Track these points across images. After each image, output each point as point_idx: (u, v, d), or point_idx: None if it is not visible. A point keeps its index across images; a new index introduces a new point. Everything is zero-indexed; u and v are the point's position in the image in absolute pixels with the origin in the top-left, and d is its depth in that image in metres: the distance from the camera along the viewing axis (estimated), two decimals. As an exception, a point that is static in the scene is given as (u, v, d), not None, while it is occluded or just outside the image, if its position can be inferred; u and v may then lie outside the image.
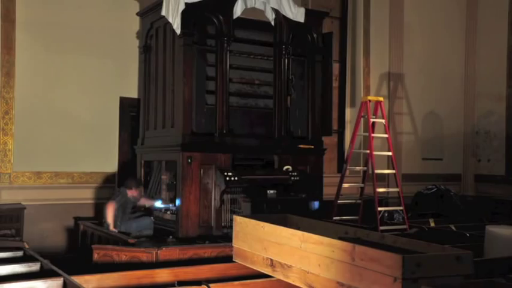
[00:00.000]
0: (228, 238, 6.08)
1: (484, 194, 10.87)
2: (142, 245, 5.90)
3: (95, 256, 5.57)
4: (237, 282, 4.73)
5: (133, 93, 8.30)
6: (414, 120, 10.72)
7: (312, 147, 7.50)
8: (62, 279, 3.68)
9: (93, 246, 5.75)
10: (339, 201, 8.24)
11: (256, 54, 7.48)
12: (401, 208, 8.17)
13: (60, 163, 7.82)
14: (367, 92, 10.01)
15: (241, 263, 5.09)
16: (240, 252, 5.13)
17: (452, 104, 11.14)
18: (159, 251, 5.46)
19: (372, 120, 8.43)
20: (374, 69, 10.25)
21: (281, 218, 5.43)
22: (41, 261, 4.20)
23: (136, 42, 8.18)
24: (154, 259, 5.43)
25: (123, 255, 5.52)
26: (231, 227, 6.55)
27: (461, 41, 11.31)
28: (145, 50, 7.56)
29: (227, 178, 6.69)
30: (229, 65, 7.02)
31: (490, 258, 5.54)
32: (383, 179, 9.46)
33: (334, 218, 8.03)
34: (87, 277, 4.35)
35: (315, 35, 7.69)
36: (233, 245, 5.26)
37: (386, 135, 8.59)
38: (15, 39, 7.57)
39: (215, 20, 6.97)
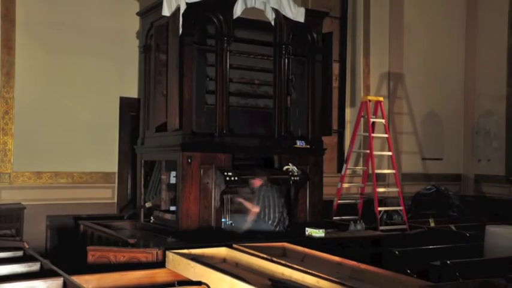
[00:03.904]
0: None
1: (484, 194, 10.87)
2: (142, 246, 5.89)
3: (90, 258, 5.44)
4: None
5: (133, 93, 8.30)
6: (414, 120, 10.73)
7: (308, 146, 7.50)
8: (62, 279, 3.68)
9: (88, 247, 5.61)
10: (339, 201, 8.25)
11: (256, 54, 7.48)
12: (401, 208, 8.18)
13: (60, 163, 7.82)
14: (367, 92, 10.02)
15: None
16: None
17: (452, 104, 11.15)
18: (159, 251, 5.45)
19: (371, 120, 8.44)
20: (374, 69, 10.26)
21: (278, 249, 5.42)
22: (41, 261, 4.20)
23: (136, 42, 8.18)
24: (154, 259, 5.42)
25: (121, 256, 5.46)
26: (231, 227, 6.63)
27: (461, 40, 11.31)
28: (146, 50, 7.55)
29: (227, 178, 6.68)
30: (229, 65, 7.02)
31: (490, 258, 5.55)
32: (383, 179, 9.48)
33: (334, 218, 8.06)
34: (87, 277, 4.34)
35: (315, 35, 7.68)
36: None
37: (386, 135, 8.60)
38: (15, 39, 7.57)
39: (215, 20, 6.97)
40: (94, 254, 5.48)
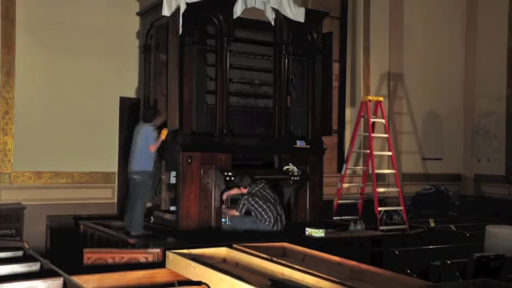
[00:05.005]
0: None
1: (484, 194, 10.87)
2: (142, 246, 5.88)
3: (86, 261, 5.28)
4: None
5: (133, 93, 8.30)
6: (414, 120, 10.73)
7: (308, 146, 7.50)
8: (62, 279, 3.67)
9: (84, 250, 5.44)
10: (339, 201, 8.26)
11: (256, 54, 7.48)
12: (401, 208, 8.19)
13: (60, 163, 7.82)
14: (367, 91, 10.01)
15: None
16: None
17: (452, 104, 11.15)
18: (159, 251, 5.45)
19: (372, 120, 8.45)
20: (374, 69, 10.25)
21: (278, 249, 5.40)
22: (41, 261, 4.19)
23: (136, 42, 8.18)
24: (154, 259, 5.42)
25: (119, 257, 5.41)
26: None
27: (461, 41, 11.31)
28: (145, 50, 7.56)
29: (227, 178, 6.69)
30: (229, 65, 7.03)
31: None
32: (383, 179, 9.48)
33: (334, 218, 8.06)
34: (87, 277, 4.34)
35: (315, 35, 7.69)
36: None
37: (386, 135, 8.61)
38: (15, 39, 7.57)
39: (215, 20, 6.97)
40: (90, 257, 5.32)
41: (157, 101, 7.29)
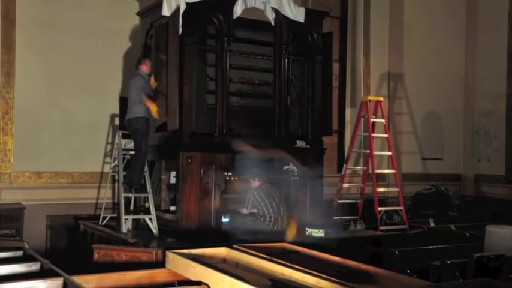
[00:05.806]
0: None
1: (484, 194, 10.87)
2: (142, 245, 5.90)
3: (96, 256, 5.60)
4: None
5: (133, 93, 8.29)
6: (414, 120, 10.73)
7: (308, 146, 7.50)
8: (62, 279, 3.67)
9: (93, 246, 5.76)
10: (339, 201, 8.26)
11: (256, 54, 7.47)
12: (401, 208, 8.19)
13: (60, 163, 7.82)
14: (367, 92, 10.01)
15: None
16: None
17: (452, 104, 11.15)
18: (159, 251, 5.46)
19: (372, 120, 8.45)
20: (374, 69, 10.25)
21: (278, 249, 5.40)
22: (41, 261, 4.20)
23: (137, 42, 8.17)
24: (154, 259, 5.43)
25: (123, 254, 5.52)
26: (231, 227, 6.60)
27: (461, 40, 11.31)
28: (145, 50, 7.55)
29: (227, 178, 6.69)
30: (229, 65, 7.03)
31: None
32: (383, 179, 9.48)
33: (334, 218, 8.06)
34: (87, 277, 4.35)
35: (315, 35, 7.69)
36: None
37: (386, 135, 8.61)
38: (15, 39, 7.57)
39: (215, 20, 6.97)
40: (99, 252, 5.62)
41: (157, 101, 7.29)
